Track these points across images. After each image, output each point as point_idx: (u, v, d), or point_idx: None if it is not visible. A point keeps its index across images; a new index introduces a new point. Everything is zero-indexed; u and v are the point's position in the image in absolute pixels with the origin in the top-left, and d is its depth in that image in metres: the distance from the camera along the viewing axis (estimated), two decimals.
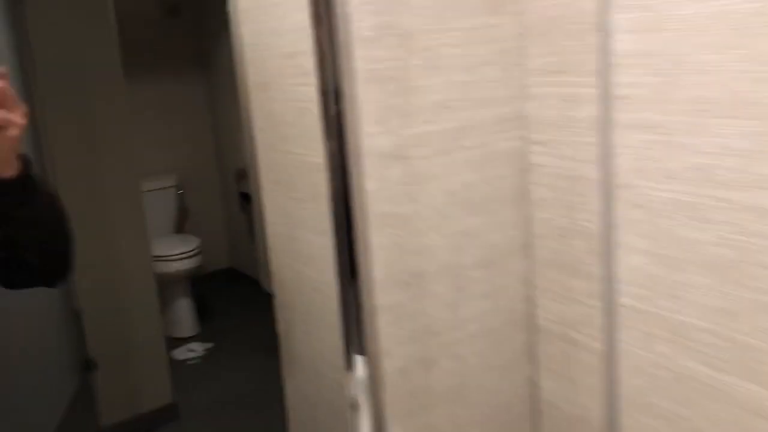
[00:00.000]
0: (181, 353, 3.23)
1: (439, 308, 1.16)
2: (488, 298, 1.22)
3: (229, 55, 3.20)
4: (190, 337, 3.40)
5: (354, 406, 1.06)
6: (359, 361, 1.03)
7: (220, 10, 3.08)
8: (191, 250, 3.32)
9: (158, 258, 3.21)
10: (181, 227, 3.87)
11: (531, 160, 1.21)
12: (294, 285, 1.41)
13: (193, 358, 3.20)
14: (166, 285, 3.30)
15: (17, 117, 0.82)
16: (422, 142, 1.10)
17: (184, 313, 3.39)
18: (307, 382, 1.42)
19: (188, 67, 3.90)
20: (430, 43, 1.07)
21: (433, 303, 1.16)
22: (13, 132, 0.82)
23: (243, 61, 1.48)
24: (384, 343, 1.11)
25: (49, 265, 1.01)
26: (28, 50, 2.37)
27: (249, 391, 2.88)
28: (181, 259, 3.28)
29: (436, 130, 1.11)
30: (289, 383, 1.51)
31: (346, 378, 1.04)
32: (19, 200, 0.91)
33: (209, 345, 3.32)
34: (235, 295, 3.94)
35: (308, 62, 1.09)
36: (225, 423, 2.71)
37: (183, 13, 3.83)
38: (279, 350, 1.52)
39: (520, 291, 1.27)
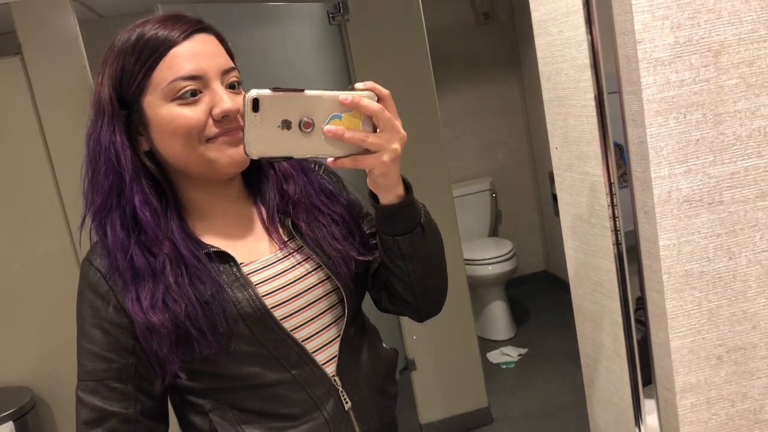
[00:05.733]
0: (495, 357, 3.27)
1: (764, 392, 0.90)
2: None
3: None
4: (504, 341, 3.41)
5: None
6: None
7: (529, 12, 3.00)
8: (505, 254, 3.32)
9: (473, 261, 3.28)
10: (495, 230, 3.90)
11: None
12: (596, 318, 1.25)
13: (507, 362, 3.20)
14: (480, 288, 3.37)
15: (389, 141, 0.78)
16: (741, 182, 0.85)
17: (498, 316, 3.41)
18: (608, 414, 1.26)
19: (503, 70, 3.90)
20: (750, 56, 0.82)
21: (758, 384, 0.90)
22: (382, 157, 0.78)
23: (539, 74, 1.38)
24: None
25: (425, 305, 0.97)
26: (349, 71, 2.60)
27: (565, 403, 2.76)
28: (495, 262, 3.30)
29: (762, 165, 0.85)
30: (590, 411, 1.36)
31: None
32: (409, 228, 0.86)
33: (524, 350, 3.28)
34: (551, 299, 3.83)
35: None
36: None
37: (497, 17, 3.83)
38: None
39: None
